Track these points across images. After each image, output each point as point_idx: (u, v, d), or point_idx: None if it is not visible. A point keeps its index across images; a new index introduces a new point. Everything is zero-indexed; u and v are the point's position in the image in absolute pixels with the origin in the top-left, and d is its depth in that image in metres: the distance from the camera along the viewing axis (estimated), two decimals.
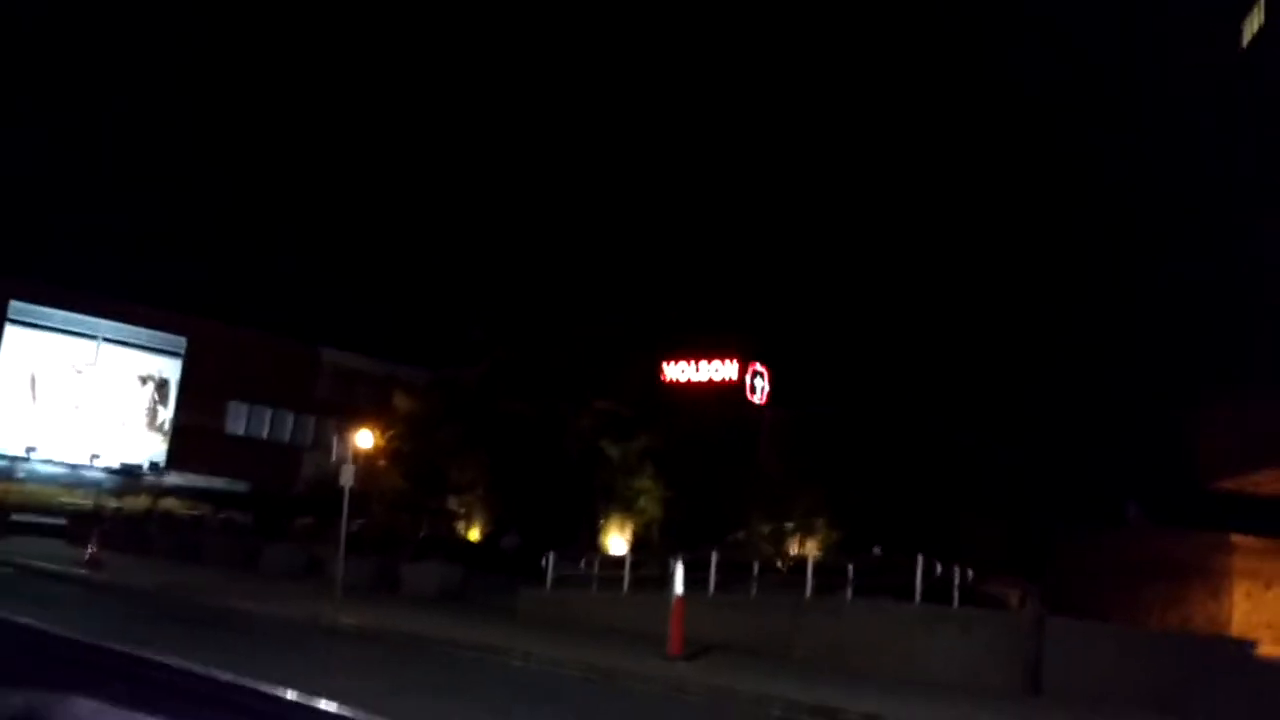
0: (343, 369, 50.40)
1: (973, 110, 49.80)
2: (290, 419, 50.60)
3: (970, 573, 24.70)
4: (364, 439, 25.45)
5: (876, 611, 17.76)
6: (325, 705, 1.60)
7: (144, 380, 46.92)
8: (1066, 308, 39.84)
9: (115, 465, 44.70)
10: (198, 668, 1.63)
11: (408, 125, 71.99)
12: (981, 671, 15.04)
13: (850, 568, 21.18)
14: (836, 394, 41.24)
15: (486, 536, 33.72)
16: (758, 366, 45.83)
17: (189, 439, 46.14)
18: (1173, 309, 31.67)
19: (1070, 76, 41.22)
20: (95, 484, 42.49)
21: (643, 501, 34.38)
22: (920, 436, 38.65)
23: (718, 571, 20.27)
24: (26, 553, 25.53)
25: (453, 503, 34.20)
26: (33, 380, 43.93)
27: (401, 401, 35.15)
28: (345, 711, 1.58)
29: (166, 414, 47.01)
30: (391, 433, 33.21)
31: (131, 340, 46.19)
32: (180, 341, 46.94)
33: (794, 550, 35.26)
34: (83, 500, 39.63)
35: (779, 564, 29.01)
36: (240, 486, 44.14)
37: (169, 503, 40.95)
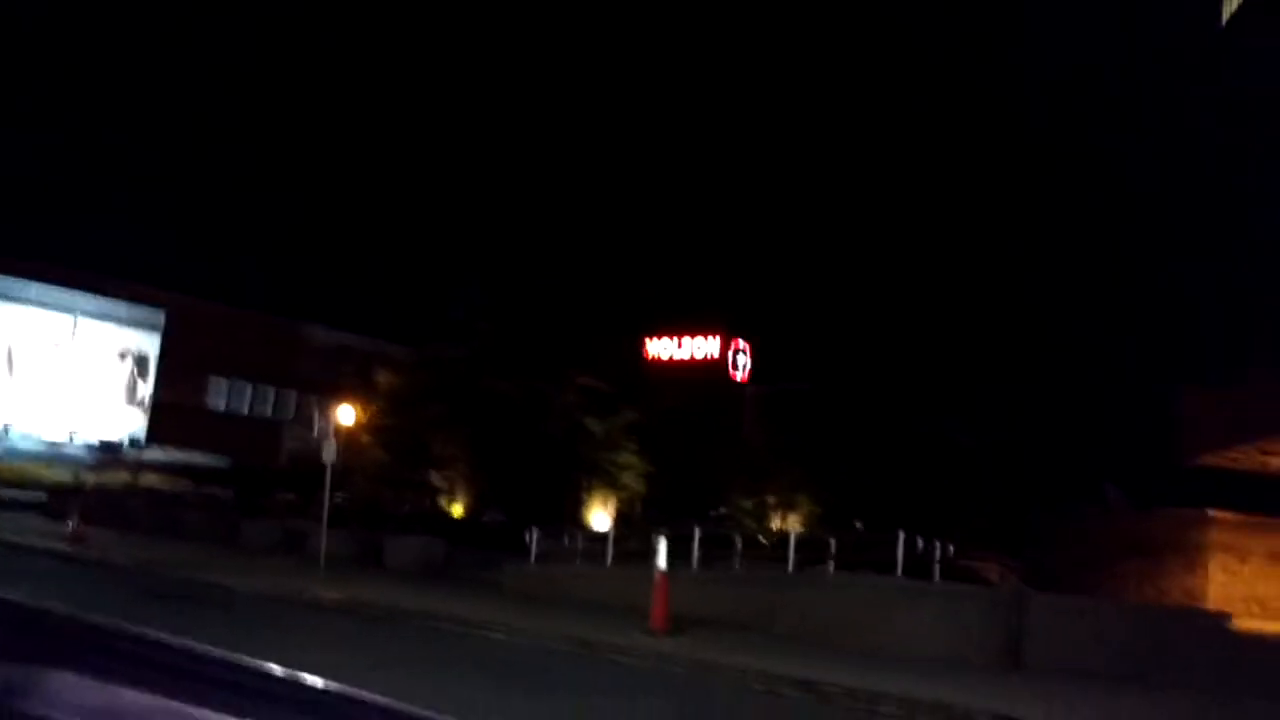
0: (326, 345, 50.12)
1: (963, 101, 49.79)
2: (272, 394, 50.37)
3: (951, 548, 24.92)
4: (346, 414, 25.38)
5: (858, 586, 17.86)
6: (308, 678, 1.57)
7: (123, 355, 46.59)
8: (1048, 291, 40.03)
9: (94, 441, 44.42)
10: (177, 641, 1.59)
11: (394, 101, 71.43)
12: (962, 646, 15.15)
13: (832, 542, 21.33)
14: (818, 371, 41.36)
15: (470, 511, 33.73)
16: (740, 343, 45.89)
17: (169, 414, 45.87)
18: (1156, 295, 31.87)
19: (1069, 75, 41.24)
20: (74, 459, 42.19)
21: (625, 477, 34.49)
22: (902, 415, 38.83)
23: (700, 546, 20.36)
24: (7, 528, 25.35)
25: (436, 478, 34.16)
26: (9, 355, 43.54)
27: (385, 378, 35.01)
28: (328, 684, 1.55)
29: (146, 389, 46.70)
30: (374, 408, 33.10)
31: (110, 315, 45.80)
32: (159, 316, 46.57)
33: (776, 525, 35.46)
34: (62, 476, 39.36)
35: (761, 539, 29.17)
36: (221, 462, 43.92)
37: (150, 478, 40.72)
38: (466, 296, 35.65)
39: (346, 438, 26.24)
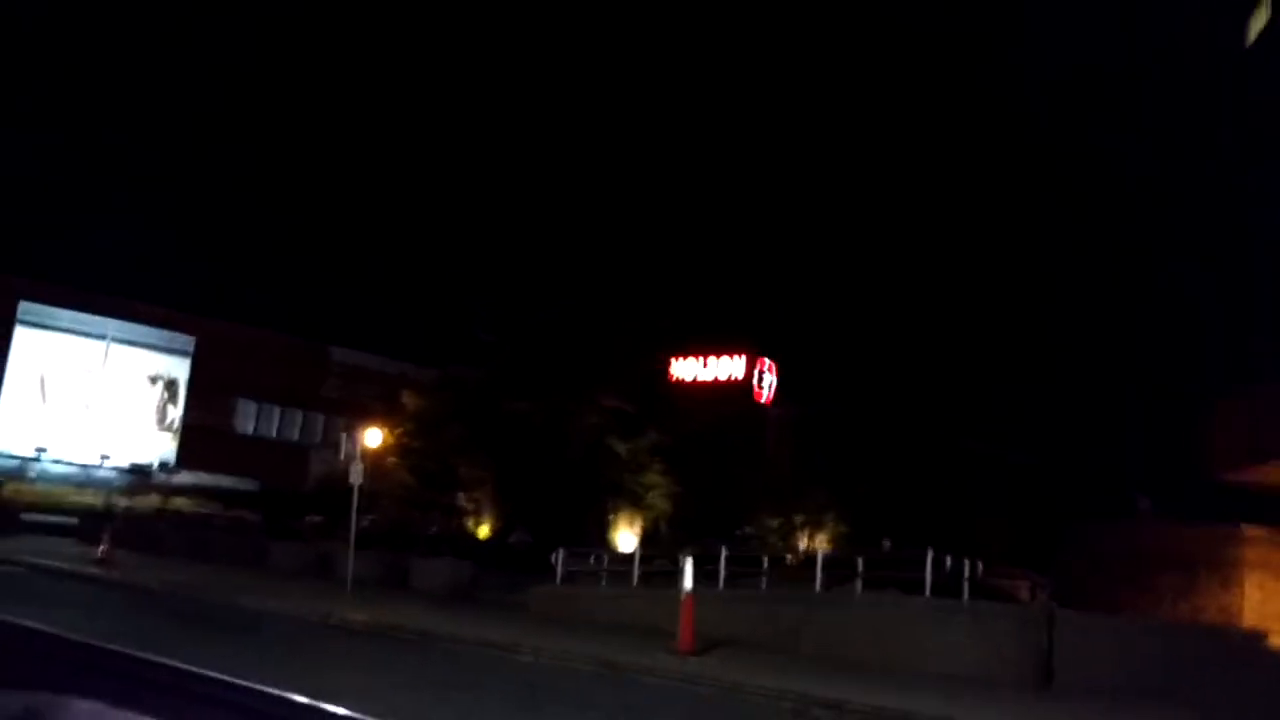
0: (351, 368, 50.40)
1: (979, 112, 49.67)
2: (299, 417, 50.66)
3: (980, 566, 24.68)
4: (373, 437, 25.48)
5: (886, 605, 17.73)
6: (328, 706, 1.59)
7: (153, 380, 47.05)
8: (1076, 305, 39.75)
9: (125, 465, 44.83)
10: (197, 668, 1.62)
11: (417, 123, 72.02)
12: (992, 664, 15.00)
13: (860, 561, 21.18)
14: (844, 391, 41.20)
15: (496, 533, 33.76)
16: (765, 363, 45.80)
17: (198, 438, 46.22)
18: (1180, 306, 31.57)
19: (1071, 77, 41.11)
20: (105, 483, 42.57)
21: (651, 497, 34.44)
22: (928, 432, 38.62)
23: (727, 566, 20.28)
24: (38, 551, 25.62)
25: (462, 500, 34.23)
26: (42, 381, 44.06)
27: (410, 400, 35.15)
28: (349, 711, 1.58)
29: (176, 413, 47.11)
30: (400, 431, 33.25)
31: (140, 340, 46.28)
32: (189, 341, 47.01)
33: (803, 544, 35.29)
34: (93, 499, 39.73)
35: (788, 558, 29.03)
36: (249, 485, 44.21)
37: (179, 502, 41.05)
38: (489, 317, 35.80)
39: (373, 460, 26.34)
